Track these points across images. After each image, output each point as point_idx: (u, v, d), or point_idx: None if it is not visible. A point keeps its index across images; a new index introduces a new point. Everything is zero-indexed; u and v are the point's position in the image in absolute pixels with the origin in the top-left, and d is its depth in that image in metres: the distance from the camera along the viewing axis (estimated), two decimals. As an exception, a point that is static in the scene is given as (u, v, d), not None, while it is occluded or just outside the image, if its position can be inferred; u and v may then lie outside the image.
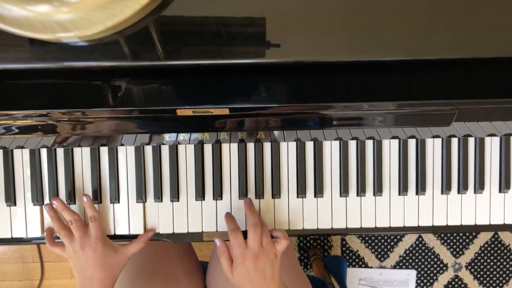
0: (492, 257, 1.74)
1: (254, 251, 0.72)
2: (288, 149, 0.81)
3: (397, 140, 0.81)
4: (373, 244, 1.71)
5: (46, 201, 0.80)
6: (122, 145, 0.80)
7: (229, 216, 0.79)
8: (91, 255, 0.74)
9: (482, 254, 1.74)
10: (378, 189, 0.81)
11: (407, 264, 1.73)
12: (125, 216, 0.81)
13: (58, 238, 0.78)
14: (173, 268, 0.93)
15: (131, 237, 0.81)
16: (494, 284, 1.76)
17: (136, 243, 0.79)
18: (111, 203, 0.81)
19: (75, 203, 0.81)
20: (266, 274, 0.72)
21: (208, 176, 0.81)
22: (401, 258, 1.72)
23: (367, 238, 1.71)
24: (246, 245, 0.73)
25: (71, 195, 0.80)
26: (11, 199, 0.80)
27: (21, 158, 0.80)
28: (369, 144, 0.81)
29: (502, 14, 0.56)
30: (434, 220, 0.83)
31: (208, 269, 0.99)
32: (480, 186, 0.82)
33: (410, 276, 1.73)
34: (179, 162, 0.81)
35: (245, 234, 0.75)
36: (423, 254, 1.73)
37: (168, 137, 0.78)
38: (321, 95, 0.61)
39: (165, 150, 0.80)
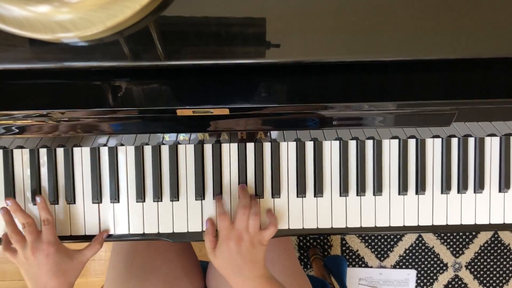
0: (492, 257, 1.74)
1: (238, 232, 0.74)
2: (288, 149, 0.81)
3: (397, 140, 0.81)
4: (373, 243, 1.71)
5: (46, 201, 0.80)
6: (122, 145, 0.80)
7: (219, 199, 0.80)
8: (44, 261, 0.72)
9: (482, 254, 1.74)
10: (378, 189, 0.81)
11: (407, 263, 1.73)
12: (124, 216, 0.81)
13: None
14: (172, 268, 0.92)
15: (130, 237, 0.81)
16: (494, 284, 1.76)
17: (92, 246, 0.78)
18: (111, 203, 0.81)
19: (74, 203, 0.81)
20: (248, 258, 0.72)
21: (208, 176, 0.81)
22: (401, 257, 1.72)
23: (367, 237, 1.71)
24: (233, 227, 0.74)
25: (71, 195, 0.80)
26: (11, 199, 0.80)
27: (21, 158, 0.80)
28: (369, 144, 0.81)
29: (502, 14, 0.56)
30: (434, 220, 0.83)
31: (208, 268, 0.99)
32: (480, 185, 0.82)
33: (410, 275, 1.73)
34: (179, 162, 0.81)
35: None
36: (423, 253, 1.73)
37: (168, 137, 0.78)
38: (321, 95, 0.61)
39: (165, 150, 0.80)
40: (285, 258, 0.94)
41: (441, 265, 1.74)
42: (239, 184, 0.81)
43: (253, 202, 0.79)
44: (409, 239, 1.72)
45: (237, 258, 0.72)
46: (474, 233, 1.73)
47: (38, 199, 0.77)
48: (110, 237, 0.81)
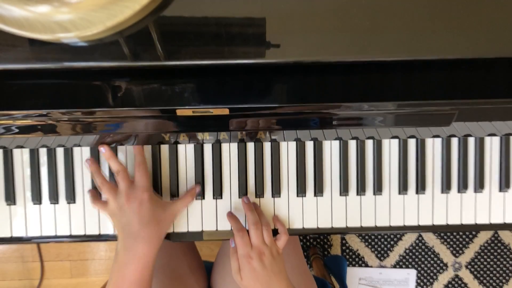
0: (492, 256, 1.74)
1: (258, 248, 0.73)
2: (288, 149, 0.81)
3: (397, 140, 0.81)
4: (373, 243, 1.72)
5: (46, 200, 0.80)
6: (121, 144, 0.80)
7: (231, 215, 0.80)
8: (137, 208, 0.70)
9: (482, 254, 1.74)
10: (378, 188, 0.81)
11: (407, 263, 1.73)
12: (125, 216, 0.81)
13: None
14: (178, 265, 0.93)
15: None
16: (494, 284, 1.76)
17: (185, 198, 0.77)
18: (111, 202, 0.81)
19: (75, 202, 0.81)
20: (274, 271, 0.72)
21: (208, 176, 0.81)
22: (401, 257, 1.72)
23: (367, 237, 1.71)
24: (250, 246, 0.73)
25: (71, 195, 0.80)
26: (11, 198, 0.80)
27: (21, 157, 0.80)
28: (369, 143, 0.81)
29: (502, 14, 0.56)
30: (434, 219, 0.83)
31: (214, 267, 0.98)
32: (480, 185, 0.82)
33: (410, 275, 1.73)
34: (179, 162, 0.81)
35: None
36: (423, 253, 1.73)
37: (168, 136, 0.78)
38: (321, 95, 0.61)
39: (165, 150, 0.80)
40: (294, 257, 0.95)
41: (441, 264, 1.74)
42: (239, 184, 0.81)
43: (259, 212, 0.79)
44: (409, 239, 1.72)
45: (264, 274, 0.72)
46: (474, 233, 1.73)
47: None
48: (111, 237, 0.81)
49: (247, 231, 0.76)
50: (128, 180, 0.73)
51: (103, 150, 0.76)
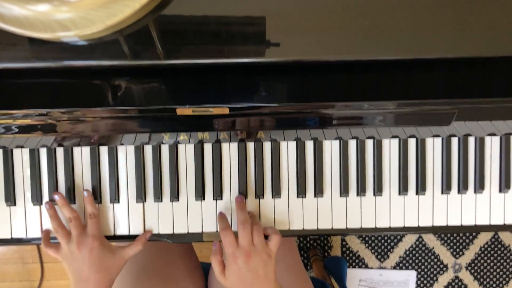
0: (492, 258, 1.74)
1: (245, 249, 0.70)
2: (288, 149, 0.81)
3: (397, 140, 0.81)
4: (373, 244, 1.71)
5: (46, 201, 0.80)
6: (122, 144, 0.79)
7: (221, 215, 0.79)
8: (87, 255, 0.73)
9: (482, 255, 1.73)
10: (378, 189, 0.81)
11: (407, 264, 1.72)
12: (125, 216, 0.81)
13: (54, 239, 0.78)
14: (174, 269, 0.92)
15: (131, 238, 0.81)
16: (494, 285, 1.76)
17: (135, 245, 0.78)
18: (110, 203, 0.81)
19: (74, 203, 0.80)
20: (259, 274, 0.70)
21: (208, 176, 0.81)
22: (401, 258, 1.72)
23: (367, 238, 1.71)
24: (238, 245, 0.71)
25: (71, 195, 0.80)
26: (11, 199, 0.80)
27: (21, 157, 0.80)
28: (369, 143, 0.81)
29: (502, 14, 0.56)
30: (434, 220, 0.83)
31: (211, 270, 0.98)
32: (480, 185, 0.82)
33: (410, 276, 1.73)
34: (179, 162, 0.80)
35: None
36: (423, 254, 1.72)
37: (168, 136, 0.78)
38: (321, 95, 0.61)
39: (165, 150, 0.80)
40: (290, 257, 0.94)
41: (441, 266, 1.73)
42: (239, 184, 0.81)
43: (250, 214, 0.78)
44: (409, 240, 1.71)
45: (248, 276, 0.69)
46: (474, 234, 1.73)
47: (85, 193, 0.78)
48: (109, 239, 0.81)
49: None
50: (79, 229, 0.75)
51: (57, 197, 0.78)
